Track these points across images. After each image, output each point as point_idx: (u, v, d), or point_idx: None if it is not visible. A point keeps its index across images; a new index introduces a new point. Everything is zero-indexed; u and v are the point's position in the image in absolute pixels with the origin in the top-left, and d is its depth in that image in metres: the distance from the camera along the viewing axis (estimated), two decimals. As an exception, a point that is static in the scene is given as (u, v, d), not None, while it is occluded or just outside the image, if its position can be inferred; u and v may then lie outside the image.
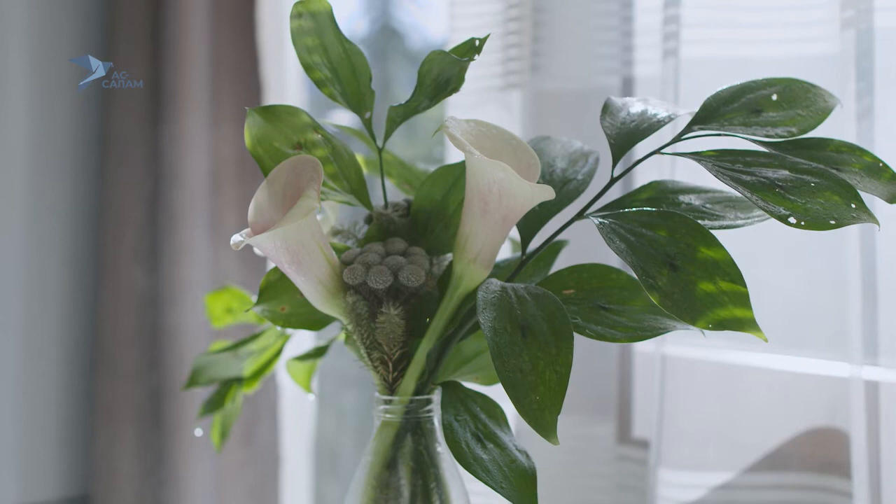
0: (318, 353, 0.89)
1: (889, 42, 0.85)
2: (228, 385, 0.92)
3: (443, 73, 0.71)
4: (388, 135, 0.75)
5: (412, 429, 0.72)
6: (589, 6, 1.10)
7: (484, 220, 0.66)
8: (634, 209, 0.66)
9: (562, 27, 1.11)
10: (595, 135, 0.76)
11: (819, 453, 0.92)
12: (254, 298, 0.74)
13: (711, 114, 0.68)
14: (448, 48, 0.72)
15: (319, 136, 0.72)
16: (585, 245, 0.85)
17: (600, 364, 1.09)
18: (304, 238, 0.66)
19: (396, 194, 0.82)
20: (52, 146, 1.51)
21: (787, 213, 0.60)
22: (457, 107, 1.17)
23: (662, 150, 0.69)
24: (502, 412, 0.69)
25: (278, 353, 0.89)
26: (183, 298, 1.45)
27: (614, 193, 0.73)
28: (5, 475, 1.46)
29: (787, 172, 0.62)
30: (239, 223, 1.48)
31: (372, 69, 0.74)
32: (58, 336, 1.51)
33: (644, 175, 0.96)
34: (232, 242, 0.65)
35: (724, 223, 0.66)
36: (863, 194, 0.62)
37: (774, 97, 0.68)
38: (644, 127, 0.69)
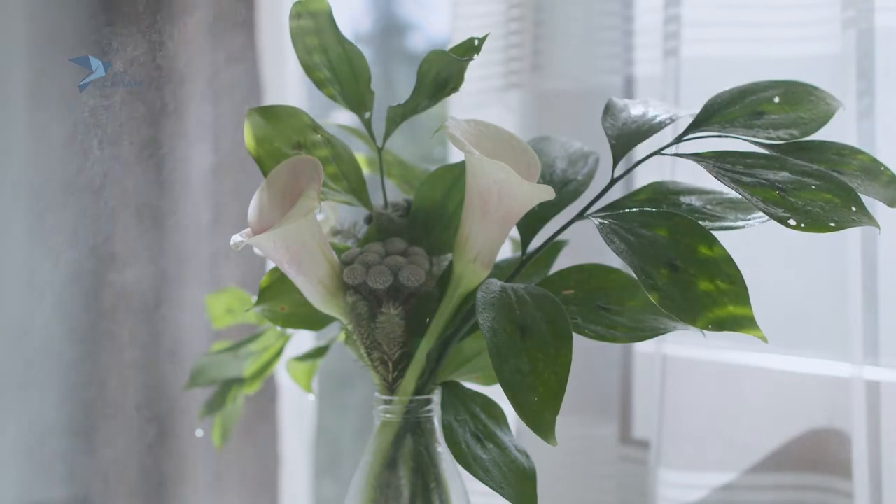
0: (318, 353, 0.89)
1: (890, 42, 0.84)
2: (229, 386, 0.92)
3: (442, 73, 0.71)
4: (387, 135, 0.75)
5: (412, 429, 0.72)
6: (590, 5, 1.09)
7: (484, 220, 0.66)
8: (635, 209, 0.66)
9: (563, 27, 1.10)
10: (596, 135, 0.76)
11: (820, 454, 0.91)
12: (254, 298, 0.74)
13: (712, 115, 0.68)
14: (449, 48, 0.72)
15: (319, 136, 0.72)
16: (585, 245, 0.85)
17: (603, 364, 1.09)
18: (304, 238, 0.66)
19: (396, 194, 0.81)
20: (51, 146, 1.51)
21: (787, 214, 0.60)
22: (459, 106, 1.17)
23: (663, 151, 0.68)
24: (502, 412, 0.69)
25: (278, 353, 0.89)
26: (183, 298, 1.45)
27: (615, 194, 0.73)
28: (5, 475, 1.46)
29: (787, 174, 0.62)
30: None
31: (375, 68, 0.74)
32: (57, 334, 1.51)
33: (644, 176, 0.96)
34: (232, 242, 0.64)
35: (725, 224, 0.66)
36: (864, 197, 0.62)
37: (776, 99, 0.68)
38: (645, 128, 0.69)
